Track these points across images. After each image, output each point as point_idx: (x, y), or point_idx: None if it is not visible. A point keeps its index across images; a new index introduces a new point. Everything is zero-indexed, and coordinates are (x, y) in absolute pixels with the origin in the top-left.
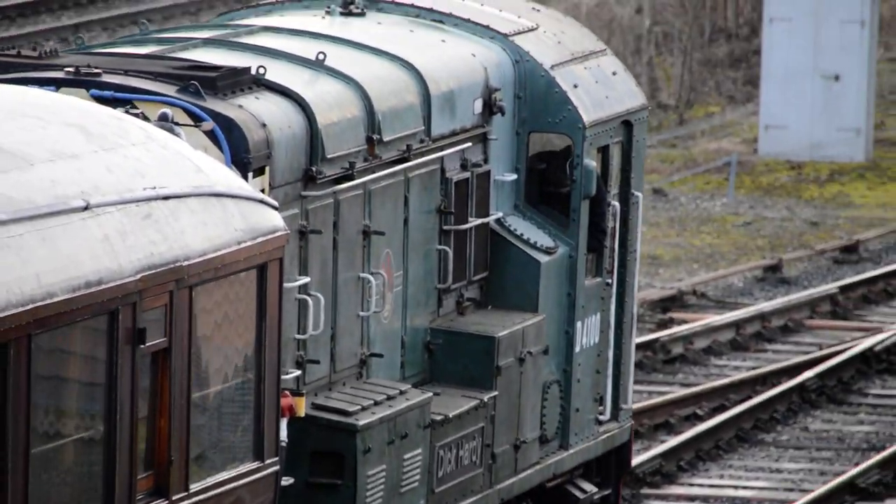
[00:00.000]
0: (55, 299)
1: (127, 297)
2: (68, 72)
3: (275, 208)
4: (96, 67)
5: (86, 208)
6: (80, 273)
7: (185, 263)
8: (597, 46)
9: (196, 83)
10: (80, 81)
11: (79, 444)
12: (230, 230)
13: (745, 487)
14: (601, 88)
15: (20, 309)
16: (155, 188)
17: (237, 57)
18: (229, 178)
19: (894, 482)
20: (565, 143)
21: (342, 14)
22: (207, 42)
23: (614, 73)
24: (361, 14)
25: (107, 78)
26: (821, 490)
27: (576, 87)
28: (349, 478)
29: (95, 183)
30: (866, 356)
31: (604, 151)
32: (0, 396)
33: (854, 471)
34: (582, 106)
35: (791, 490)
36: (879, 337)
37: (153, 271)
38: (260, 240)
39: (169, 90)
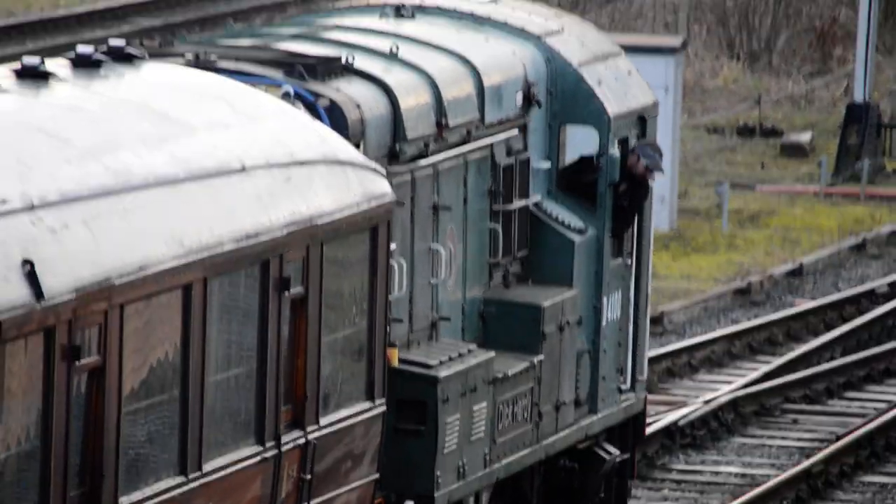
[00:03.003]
0: (225, 248)
1: (276, 248)
2: (188, 59)
3: (383, 176)
4: (210, 56)
5: (242, 170)
6: (241, 226)
7: (319, 222)
8: (613, 48)
9: (300, 69)
10: (202, 66)
11: (240, 376)
12: (350, 194)
13: None
14: (620, 86)
15: (199, 256)
16: (292, 155)
17: (321, 48)
18: (347, 148)
19: None
20: (592, 135)
21: (395, 17)
22: (294, 36)
23: (629, 73)
24: (412, 17)
25: (221, 64)
26: None
27: (600, 83)
28: (431, 424)
29: (246, 149)
30: (670, 430)
31: (623, 143)
32: (183, 331)
33: None
34: (607, 101)
35: None
36: (683, 411)
37: (295, 227)
38: (373, 203)
39: (276, 74)
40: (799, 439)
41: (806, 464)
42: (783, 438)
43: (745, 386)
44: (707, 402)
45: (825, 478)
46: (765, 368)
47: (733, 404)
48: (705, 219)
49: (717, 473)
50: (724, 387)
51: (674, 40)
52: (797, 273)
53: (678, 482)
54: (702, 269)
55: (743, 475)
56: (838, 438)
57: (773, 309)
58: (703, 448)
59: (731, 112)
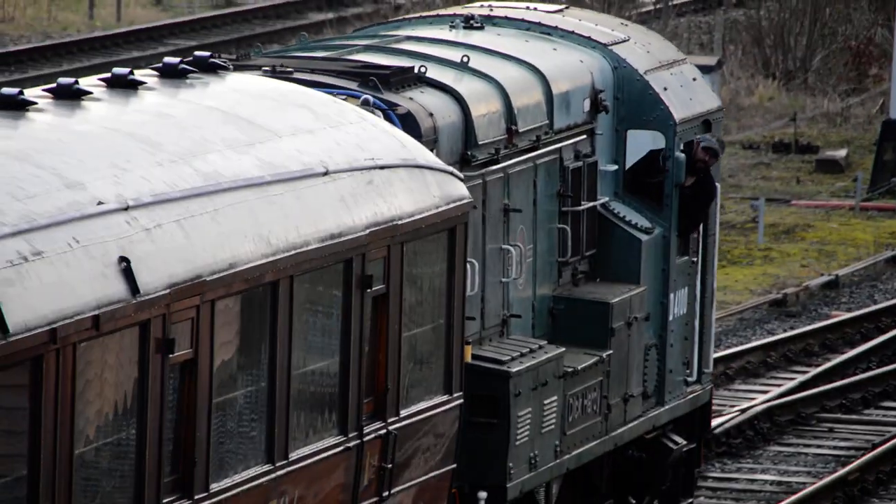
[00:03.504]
0: (310, 247)
1: (358, 248)
2: (266, 71)
3: (461, 180)
4: (287, 67)
5: (325, 173)
6: (325, 227)
7: (399, 223)
8: (678, 55)
9: (374, 79)
10: (279, 78)
11: (324, 370)
12: (429, 196)
13: None
14: (685, 91)
15: (286, 254)
16: (373, 159)
17: (394, 59)
18: (425, 153)
19: None
20: (658, 139)
21: (464, 27)
22: (367, 48)
23: (694, 79)
24: (481, 28)
25: (298, 75)
26: None
27: (665, 89)
28: (503, 417)
29: (329, 153)
30: (707, 439)
31: (688, 147)
32: (271, 326)
33: None
34: (672, 106)
35: None
36: (720, 420)
37: (377, 228)
38: (451, 205)
39: (351, 85)
40: (835, 448)
41: (842, 472)
42: (819, 447)
43: (781, 395)
44: (743, 410)
45: (861, 486)
46: (801, 378)
47: (769, 413)
48: (741, 232)
49: (752, 481)
50: (760, 396)
51: (709, 59)
52: (833, 285)
53: (714, 490)
54: (738, 282)
55: (779, 483)
56: (874, 447)
57: (808, 320)
58: (739, 456)
59: (766, 129)
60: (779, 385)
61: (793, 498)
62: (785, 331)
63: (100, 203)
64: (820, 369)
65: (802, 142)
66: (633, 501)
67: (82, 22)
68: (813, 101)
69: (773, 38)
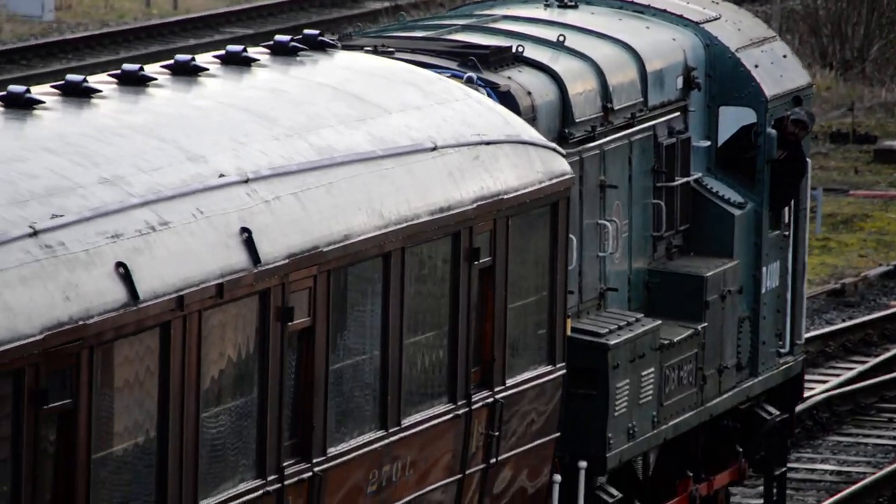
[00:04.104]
0: (420, 220)
1: (466, 222)
2: (367, 50)
3: (563, 156)
4: (389, 47)
5: (434, 149)
6: (435, 200)
7: (505, 197)
8: (768, 33)
9: (473, 59)
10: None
11: (434, 339)
12: (533, 172)
13: None
14: (776, 69)
15: (397, 227)
16: (479, 135)
17: (492, 39)
18: (529, 129)
19: None
20: (749, 115)
21: (559, 6)
22: (465, 27)
23: (784, 56)
24: (575, 6)
25: (399, 55)
26: None
27: (756, 66)
28: (602, 389)
29: (437, 129)
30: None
31: (779, 122)
32: (383, 296)
33: None
34: (763, 83)
35: None
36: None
37: (483, 202)
38: (554, 181)
39: (451, 64)
40: (894, 437)
41: None
42: (879, 437)
43: (840, 385)
44: (803, 400)
45: None
46: (860, 368)
47: (828, 403)
48: None
49: (812, 471)
50: (819, 386)
51: None
52: (891, 275)
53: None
54: None
55: (839, 473)
56: None
57: (867, 310)
58: (799, 446)
59: (824, 119)
60: (838, 375)
61: (853, 488)
62: (843, 321)
63: (221, 175)
64: (879, 359)
65: (860, 132)
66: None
67: (139, 10)
68: (871, 91)
69: (830, 28)
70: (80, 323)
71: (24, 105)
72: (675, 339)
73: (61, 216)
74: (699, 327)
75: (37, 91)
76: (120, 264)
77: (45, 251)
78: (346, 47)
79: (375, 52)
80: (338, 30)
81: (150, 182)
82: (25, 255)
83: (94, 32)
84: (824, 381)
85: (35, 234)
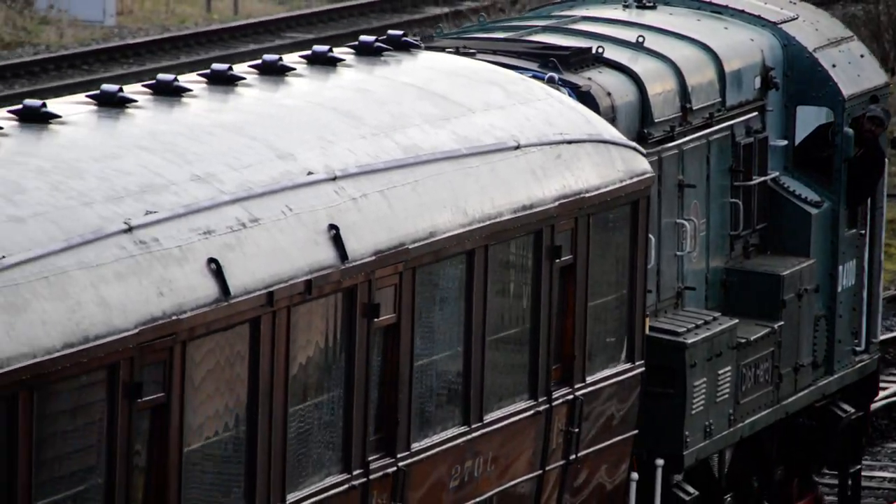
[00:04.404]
0: (503, 218)
1: (548, 220)
2: (449, 51)
3: (643, 155)
4: (470, 48)
5: (517, 147)
6: (517, 198)
7: (586, 195)
8: (846, 33)
9: (554, 60)
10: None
11: (515, 336)
12: (614, 171)
13: None
14: (853, 68)
15: (481, 224)
16: (561, 134)
17: (572, 40)
18: (610, 128)
19: None
20: (827, 114)
21: (637, 7)
22: (545, 29)
23: (861, 56)
24: (653, 7)
25: (480, 56)
26: None
27: (834, 66)
28: (679, 388)
29: (519, 128)
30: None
31: (856, 122)
32: (466, 293)
33: None
34: (840, 82)
35: None
36: None
37: (565, 200)
38: (634, 179)
39: (532, 65)
40: None
41: None
42: None
43: None
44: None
45: None
46: None
47: (888, 410)
48: None
49: (871, 478)
50: (880, 392)
51: None
52: None
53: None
54: None
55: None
56: None
57: None
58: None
59: None
60: None
61: None
62: None
63: (310, 173)
64: None
65: None
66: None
67: (200, 15)
68: None
69: (891, 33)
70: (174, 318)
71: (117, 104)
72: (752, 338)
73: (155, 213)
74: (776, 326)
75: (129, 90)
76: (212, 260)
77: (140, 247)
78: (427, 48)
79: (457, 52)
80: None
81: (241, 179)
82: (120, 251)
83: (155, 37)
84: (884, 388)
85: (130, 230)
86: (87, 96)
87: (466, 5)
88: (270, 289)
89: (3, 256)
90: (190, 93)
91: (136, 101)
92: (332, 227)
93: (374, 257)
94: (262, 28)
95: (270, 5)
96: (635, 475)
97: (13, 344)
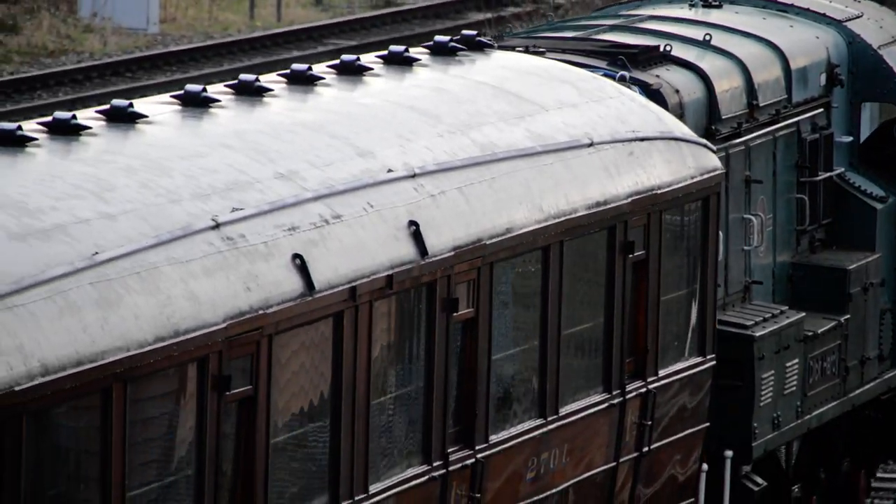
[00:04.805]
0: (578, 214)
1: (621, 216)
2: (519, 50)
3: (713, 151)
4: (540, 48)
5: (590, 144)
6: (591, 195)
7: (658, 192)
8: None
9: (623, 58)
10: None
11: (590, 330)
12: (685, 167)
13: None
14: None
15: (556, 220)
16: (633, 131)
17: (640, 38)
18: (681, 126)
19: None
20: (891, 111)
21: (703, 6)
22: (613, 28)
23: None
24: (719, 6)
25: (550, 55)
26: None
27: None
28: (748, 380)
29: (592, 126)
30: None
31: None
32: (542, 287)
33: None
34: None
35: None
36: None
37: (638, 197)
38: (705, 176)
39: (601, 63)
40: None
41: None
42: None
43: None
44: None
45: None
46: None
47: None
48: None
49: None
50: None
51: None
52: None
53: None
54: None
55: None
56: None
57: None
58: None
59: None
60: None
61: None
62: None
63: (389, 171)
64: None
65: None
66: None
67: (243, 22)
68: None
69: None
70: (260, 312)
71: (200, 103)
72: (819, 331)
73: (241, 209)
74: (842, 319)
75: (212, 90)
76: (296, 256)
77: (227, 243)
78: (503, 48)
79: (527, 51)
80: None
81: (323, 177)
82: (208, 247)
83: (199, 45)
84: None
85: (217, 226)
86: (172, 96)
87: (509, 11)
88: (353, 283)
89: (97, 252)
90: (271, 92)
91: (219, 100)
92: (412, 223)
93: (452, 253)
94: (304, 35)
95: (313, 12)
96: (705, 466)
97: (107, 338)
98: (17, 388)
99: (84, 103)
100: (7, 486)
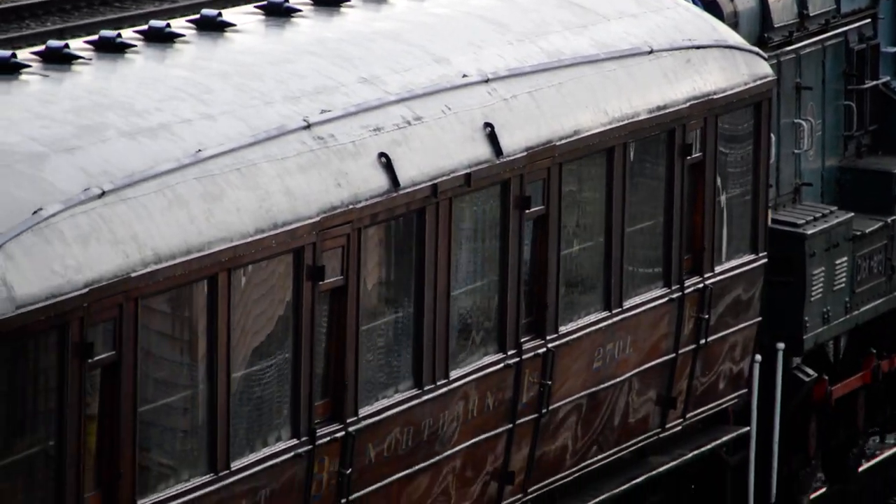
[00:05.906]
0: (640, 118)
1: (679, 119)
2: None
3: (765, 59)
4: None
5: (650, 52)
6: (652, 100)
7: (714, 97)
8: None
9: None
10: None
11: (649, 228)
12: (738, 74)
13: None
14: None
15: (620, 123)
16: (690, 40)
17: None
18: (734, 35)
19: None
20: None
21: None
22: None
23: None
24: None
25: None
26: None
27: None
28: (799, 276)
29: (651, 35)
30: None
31: None
32: (607, 188)
33: None
34: None
35: None
36: None
37: (695, 102)
38: (757, 82)
39: None
40: None
41: None
42: None
43: None
44: None
45: None
46: None
47: None
48: None
49: None
50: None
51: None
52: None
53: None
54: None
55: None
56: None
57: None
58: None
59: None
60: None
61: None
62: None
63: (464, 76)
64: None
65: None
66: None
67: None
68: None
69: None
70: (350, 207)
71: (283, 13)
72: (867, 231)
73: (329, 111)
74: (889, 220)
75: (293, 1)
76: (382, 154)
77: (318, 142)
78: None
79: None
80: None
81: (403, 81)
82: (302, 146)
83: None
84: None
85: (308, 126)
86: (256, 6)
87: None
88: (434, 181)
89: (200, 150)
90: (348, 3)
91: (300, 10)
92: (487, 124)
93: (525, 153)
94: None
95: None
96: (758, 358)
97: (213, 229)
98: (133, 275)
99: (72, 33)
100: (125, 366)
